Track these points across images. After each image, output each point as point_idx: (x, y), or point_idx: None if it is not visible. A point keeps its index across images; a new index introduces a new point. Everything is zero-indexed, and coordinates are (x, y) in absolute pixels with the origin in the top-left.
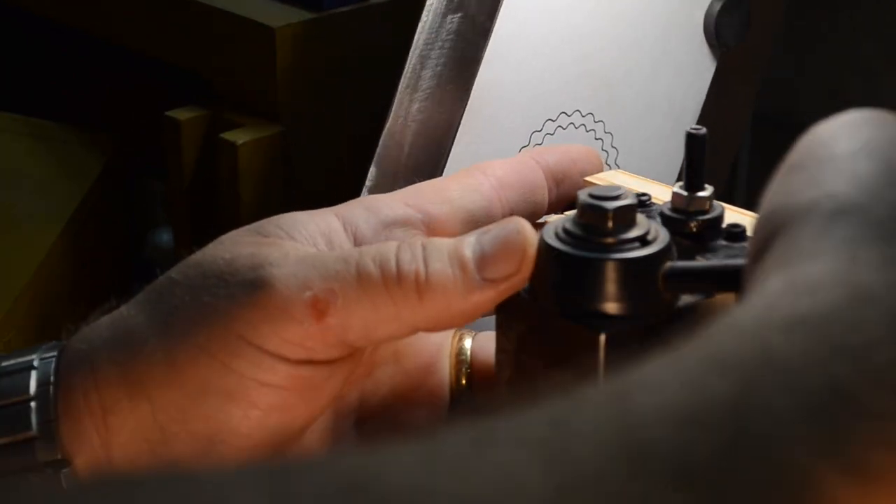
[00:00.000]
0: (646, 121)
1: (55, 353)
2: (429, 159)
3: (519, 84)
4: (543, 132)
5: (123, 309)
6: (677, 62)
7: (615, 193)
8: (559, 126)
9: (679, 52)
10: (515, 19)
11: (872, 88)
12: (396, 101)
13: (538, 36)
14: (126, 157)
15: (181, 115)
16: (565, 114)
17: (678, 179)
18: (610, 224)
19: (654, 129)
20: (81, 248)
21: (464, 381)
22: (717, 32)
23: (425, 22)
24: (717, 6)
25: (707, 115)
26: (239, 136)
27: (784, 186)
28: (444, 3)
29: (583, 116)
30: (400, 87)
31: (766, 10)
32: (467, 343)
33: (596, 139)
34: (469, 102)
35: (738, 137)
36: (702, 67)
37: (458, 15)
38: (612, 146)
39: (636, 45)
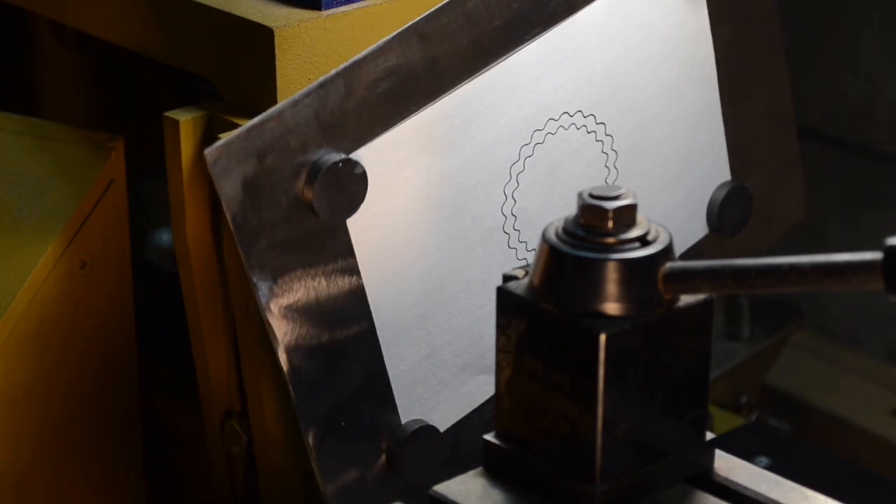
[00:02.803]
0: (649, 126)
1: None
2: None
3: (524, 81)
4: (533, 143)
5: None
6: (686, 72)
7: (615, 193)
8: (560, 126)
9: (688, 64)
10: None
11: (873, 91)
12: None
13: (551, 37)
14: (126, 157)
15: (180, 115)
16: (567, 114)
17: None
18: (610, 224)
19: (657, 134)
20: (81, 248)
21: None
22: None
23: None
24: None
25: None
26: None
27: None
28: None
29: (584, 117)
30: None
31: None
32: None
33: (588, 132)
34: (473, 96)
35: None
36: (696, 17)
37: None
38: (607, 134)
39: (646, 52)
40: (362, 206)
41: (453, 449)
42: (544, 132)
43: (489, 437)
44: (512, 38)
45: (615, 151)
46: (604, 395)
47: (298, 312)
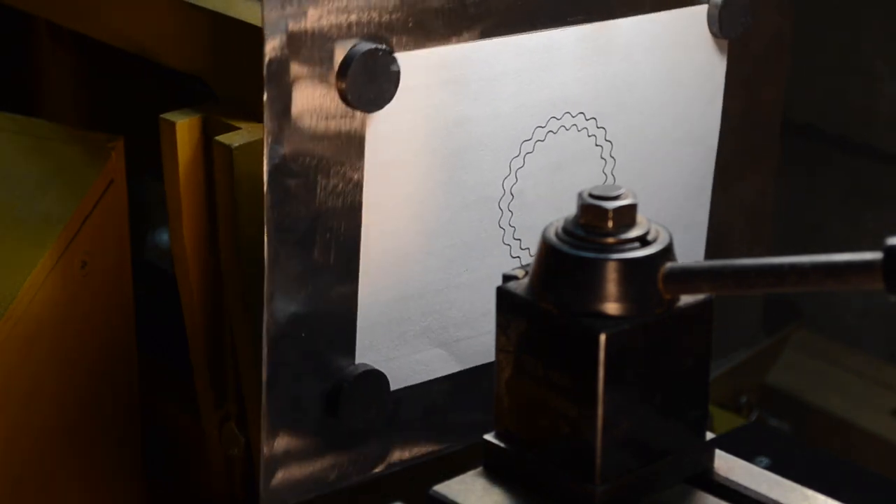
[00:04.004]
0: (649, 132)
1: None
2: None
3: (556, 62)
4: (547, 129)
5: None
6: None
7: (615, 193)
8: (574, 124)
9: (692, 68)
10: None
11: (872, 89)
12: None
13: (590, 30)
14: (126, 158)
15: (177, 117)
16: (583, 115)
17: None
18: (610, 224)
19: (657, 141)
20: (81, 248)
21: None
22: (720, 25)
23: None
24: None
25: (735, 126)
26: (234, 139)
27: None
28: None
29: (598, 127)
30: None
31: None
32: None
33: (596, 146)
34: (509, 53)
35: (772, 146)
36: (714, 80)
37: None
38: (611, 155)
39: (649, 57)
40: (383, 115)
41: (393, 414)
42: (559, 123)
43: (489, 437)
44: (558, 11)
45: (613, 177)
46: (604, 395)
47: (296, 193)
